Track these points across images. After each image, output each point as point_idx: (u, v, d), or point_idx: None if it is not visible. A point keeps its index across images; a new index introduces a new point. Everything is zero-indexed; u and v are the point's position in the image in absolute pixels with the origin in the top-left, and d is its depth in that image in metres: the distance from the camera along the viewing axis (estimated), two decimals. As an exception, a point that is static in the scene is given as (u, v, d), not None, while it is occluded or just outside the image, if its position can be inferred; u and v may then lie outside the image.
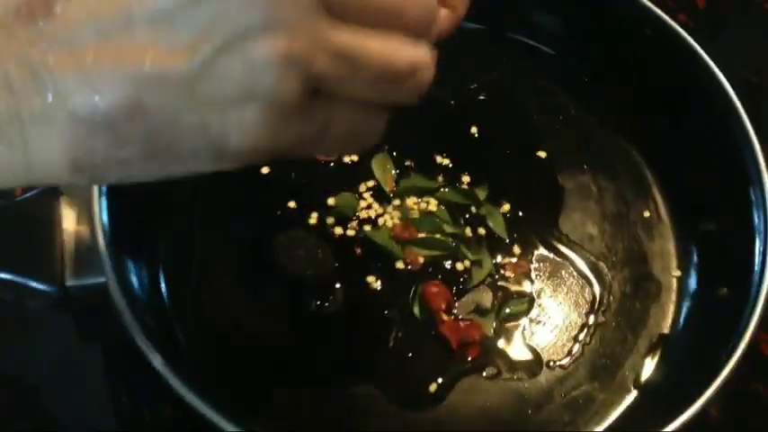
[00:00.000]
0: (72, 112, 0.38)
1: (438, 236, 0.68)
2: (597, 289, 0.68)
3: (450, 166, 0.72)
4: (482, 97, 0.76)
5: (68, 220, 0.58)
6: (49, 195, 0.58)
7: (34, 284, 0.57)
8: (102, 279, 0.56)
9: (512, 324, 0.65)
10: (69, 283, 0.57)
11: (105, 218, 0.57)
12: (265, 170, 0.70)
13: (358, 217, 0.68)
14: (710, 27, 0.91)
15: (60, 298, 0.57)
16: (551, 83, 0.77)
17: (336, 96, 0.41)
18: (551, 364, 0.64)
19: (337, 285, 0.66)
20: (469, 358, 0.64)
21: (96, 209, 0.57)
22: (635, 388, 0.64)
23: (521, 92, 0.77)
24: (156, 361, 0.53)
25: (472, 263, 0.67)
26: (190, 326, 0.63)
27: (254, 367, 0.63)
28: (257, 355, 0.63)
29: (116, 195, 0.59)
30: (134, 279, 0.59)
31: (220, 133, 0.39)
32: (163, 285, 0.64)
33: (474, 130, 0.74)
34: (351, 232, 0.68)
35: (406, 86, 0.43)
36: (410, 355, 0.64)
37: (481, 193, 0.70)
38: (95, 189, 0.57)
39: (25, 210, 0.58)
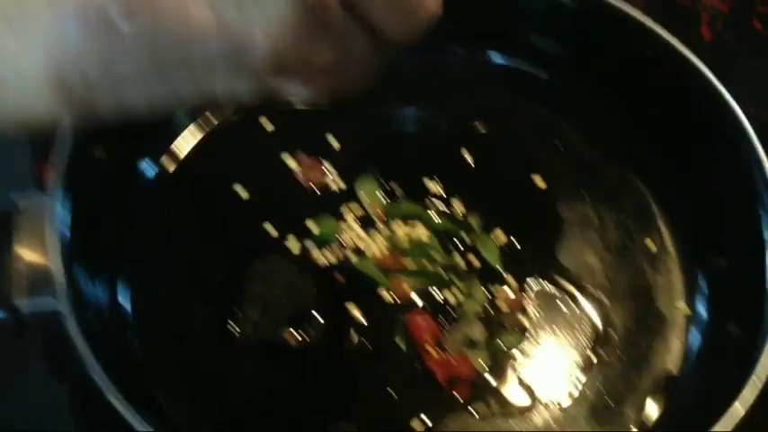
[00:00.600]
0: (57, 4, 0.31)
1: (427, 265, 0.64)
2: (598, 323, 0.63)
3: (442, 192, 0.67)
4: (476, 123, 0.72)
5: (25, 237, 0.53)
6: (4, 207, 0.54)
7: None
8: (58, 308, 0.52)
9: (505, 359, 0.61)
10: (21, 307, 0.52)
11: (64, 237, 0.53)
12: (244, 194, 0.66)
13: (341, 243, 0.64)
14: (717, 60, 0.87)
15: (11, 324, 0.52)
16: (549, 109, 0.73)
17: (358, 20, 0.38)
18: (547, 403, 0.59)
19: (315, 315, 0.61)
20: (458, 395, 0.59)
21: (53, 232, 0.53)
22: (638, 430, 0.58)
23: (517, 118, 0.73)
24: (117, 401, 0.48)
25: (463, 294, 0.63)
26: (156, 363, 0.58)
27: (224, 404, 0.58)
28: (228, 391, 0.58)
29: (78, 215, 0.55)
30: (92, 305, 0.55)
31: (240, 30, 0.34)
32: (129, 311, 0.59)
33: (467, 156, 0.70)
34: (332, 259, 0.63)
35: (415, 17, 0.40)
36: (393, 390, 0.59)
37: (474, 222, 0.66)
38: (54, 205, 0.53)
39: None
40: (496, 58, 0.74)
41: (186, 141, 0.68)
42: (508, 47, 0.73)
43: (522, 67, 0.74)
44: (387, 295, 0.62)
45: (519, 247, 0.65)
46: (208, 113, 0.68)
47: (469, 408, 0.58)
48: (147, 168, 0.66)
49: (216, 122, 0.69)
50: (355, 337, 0.60)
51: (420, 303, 0.62)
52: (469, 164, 0.69)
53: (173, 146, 0.67)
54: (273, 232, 0.64)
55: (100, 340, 0.50)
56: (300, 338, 0.60)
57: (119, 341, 0.56)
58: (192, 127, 0.68)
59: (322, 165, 0.68)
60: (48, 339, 0.57)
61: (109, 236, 0.59)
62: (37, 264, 0.53)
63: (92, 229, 0.55)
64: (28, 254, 0.53)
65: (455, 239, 0.65)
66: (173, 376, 0.58)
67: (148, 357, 0.58)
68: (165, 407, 0.56)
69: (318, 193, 0.67)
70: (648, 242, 0.67)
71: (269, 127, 0.70)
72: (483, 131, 0.72)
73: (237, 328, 0.60)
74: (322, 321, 0.61)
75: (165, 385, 0.57)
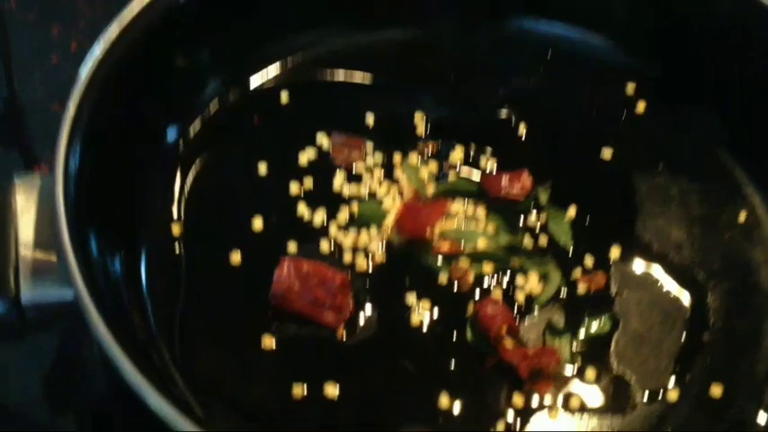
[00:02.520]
0: None
1: (491, 247, 0.55)
2: (694, 305, 0.54)
3: (497, 166, 0.59)
4: (529, 94, 0.64)
5: (25, 217, 0.45)
6: (3, 187, 0.45)
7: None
8: (65, 293, 0.43)
9: (592, 348, 0.52)
10: (25, 298, 0.43)
11: (71, 209, 0.44)
12: (258, 163, 0.57)
13: (385, 227, 0.55)
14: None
15: (12, 317, 0.43)
16: (611, 76, 0.65)
17: None
18: (650, 394, 0.50)
19: (369, 308, 0.52)
20: (544, 390, 0.50)
21: (61, 204, 0.44)
22: (759, 423, 0.49)
23: (575, 88, 0.65)
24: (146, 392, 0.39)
25: (538, 278, 0.54)
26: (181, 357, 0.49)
27: (270, 411, 0.48)
28: (272, 397, 0.49)
29: (85, 193, 0.46)
30: (105, 282, 0.45)
31: None
32: (144, 284, 0.50)
33: (522, 129, 0.61)
34: (378, 245, 0.55)
35: None
36: (467, 390, 0.50)
37: (543, 197, 0.57)
38: (60, 172, 0.44)
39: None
40: (558, 26, 0.66)
41: (214, 110, 0.60)
42: (570, 12, 0.65)
43: (586, 35, 0.66)
44: (449, 284, 0.53)
45: (593, 224, 0.57)
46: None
47: (557, 405, 0.49)
48: (170, 133, 0.57)
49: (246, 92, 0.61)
50: (416, 333, 0.51)
51: (489, 291, 0.53)
52: (530, 138, 0.61)
53: (199, 113, 0.59)
54: (307, 214, 0.56)
55: (114, 317, 0.41)
56: (347, 334, 0.51)
57: (132, 317, 0.47)
58: (223, 93, 0.60)
59: (359, 142, 0.59)
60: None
61: (121, 206, 0.51)
62: (40, 250, 0.44)
63: (101, 199, 0.46)
64: (29, 236, 0.44)
65: (520, 217, 0.57)
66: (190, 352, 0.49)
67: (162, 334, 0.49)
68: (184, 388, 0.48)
69: (355, 173, 0.58)
70: (740, 214, 0.58)
71: (299, 103, 0.61)
72: (538, 103, 0.63)
73: (273, 321, 0.51)
74: (374, 315, 0.52)
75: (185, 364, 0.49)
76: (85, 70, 0.48)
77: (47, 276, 0.43)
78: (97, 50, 0.49)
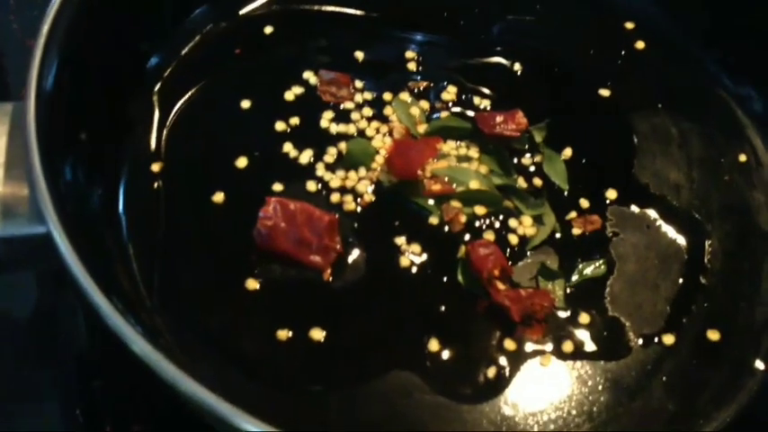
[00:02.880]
0: None
1: (484, 187, 0.53)
2: (692, 247, 0.52)
3: (491, 106, 0.57)
4: (525, 31, 0.61)
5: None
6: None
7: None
8: (39, 230, 0.41)
9: (587, 291, 0.50)
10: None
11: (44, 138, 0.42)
12: (242, 99, 0.55)
13: (373, 167, 0.53)
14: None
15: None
16: (609, 14, 0.63)
17: None
18: (645, 339, 0.49)
19: (356, 250, 0.50)
20: (536, 335, 0.48)
21: (33, 131, 0.41)
22: (757, 368, 0.48)
23: (572, 25, 0.62)
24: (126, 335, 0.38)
25: (531, 219, 0.52)
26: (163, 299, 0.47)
27: (254, 353, 0.47)
28: (256, 339, 0.47)
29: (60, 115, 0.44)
30: (82, 230, 0.43)
31: None
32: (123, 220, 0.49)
33: (517, 67, 0.59)
34: (367, 185, 0.53)
35: None
36: (457, 334, 0.48)
37: (537, 137, 0.55)
38: (32, 96, 0.41)
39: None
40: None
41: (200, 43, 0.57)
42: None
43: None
44: (437, 222, 0.52)
45: (589, 165, 0.55)
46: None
47: (552, 349, 0.48)
48: (152, 61, 0.55)
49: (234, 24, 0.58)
50: (405, 275, 0.50)
51: (481, 233, 0.52)
52: (525, 77, 0.59)
53: (184, 42, 0.57)
54: (293, 152, 0.53)
55: (91, 255, 0.39)
56: (334, 276, 0.49)
57: (111, 255, 0.46)
58: (210, 27, 0.58)
59: (348, 80, 0.57)
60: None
61: (99, 137, 0.48)
62: (11, 183, 0.42)
63: (77, 128, 0.44)
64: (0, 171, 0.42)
65: (514, 158, 0.55)
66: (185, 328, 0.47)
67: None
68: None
69: (344, 108, 0.56)
70: (740, 155, 0.57)
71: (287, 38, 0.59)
72: (533, 39, 0.61)
73: (257, 263, 0.49)
74: (362, 257, 0.50)
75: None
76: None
77: (18, 210, 0.41)
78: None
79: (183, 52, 0.57)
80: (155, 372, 0.37)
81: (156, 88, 0.54)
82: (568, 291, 0.50)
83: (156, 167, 0.52)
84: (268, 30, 0.59)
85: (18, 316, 0.55)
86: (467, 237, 0.51)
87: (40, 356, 0.56)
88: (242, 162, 0.53)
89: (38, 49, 0.42)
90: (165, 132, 0.53)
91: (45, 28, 0.43)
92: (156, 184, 0.51)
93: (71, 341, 0.52)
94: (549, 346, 0.48)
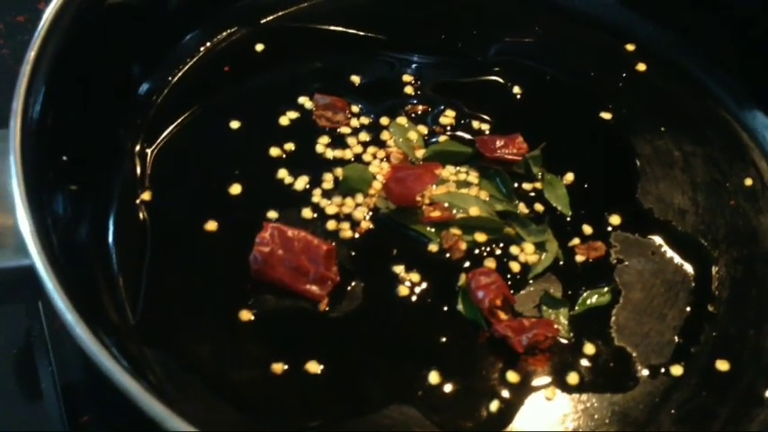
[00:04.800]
0: None
1: (484, 213, 0.52)
2: (699, 274, 0.51)
3: (490, 130, 0.56)
4: (523, 53, 0.60)
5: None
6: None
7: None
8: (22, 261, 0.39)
9: (592, 319, 0.49)
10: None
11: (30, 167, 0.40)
12: (235, 125, 0.54)
13: (371, 193, 0.52)
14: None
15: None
16: (610, 35, 0.62)
17: None
18: (652, 370, 0.47)
19: (354, 278, 0.49)
20: (540, 366, 0.47)
21: (17, 160, 0.40)
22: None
23: (571, 47, 0.61)
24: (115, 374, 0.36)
25: (533, 246, 0.51)
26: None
27: (247, 389, 0.45)
28: (250, 374, 0.46)
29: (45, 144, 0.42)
30: (68, 264, 0.41)
31: None
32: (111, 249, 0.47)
33: (516, 89, 0.58)
34: (364, 212, 0.51)
35: None
36: (459, 365, 0.46)
37: (536, 162, 0.54)
38: (17, 124, 0.40)
39: None
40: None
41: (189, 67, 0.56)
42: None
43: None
44: (436, 249, 0.50)
45: (591, 190, 0.54)
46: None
47: (557, 380, 0.46)
48: (141, 88, 0.54)
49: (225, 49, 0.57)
50: (404, 305, 0.48)
51: (482, 261, 0.50)
52: (524, 99, 0.58)
53: (174, 69, 0.55)
54: (288, 178, 0.52)
55: (77, 290, 0.37)
56: (331, 306, 0.47)
57: (99, 289, 0.44)
58: (199, 49, 0.57)
59: (344, 104, 0.56)
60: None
61: (87, 165, 0.47)
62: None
63: (64, 157, 0.43)
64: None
65: (514, 183, 0.53)
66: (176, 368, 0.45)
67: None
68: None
69: (340, 133, 0.55)
70: (746, 179, 0.55)
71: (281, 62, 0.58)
72: (533, 63, 0.60)
73: (251, 293, 0.47)
74: (360, 286, 0.49)
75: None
76: (47, 14, 0.44)
77: (4, 242, 0.39)
78: (57, -1, 0.45)
79: (175, 77, 0.55)
80: (142, 409, 0.35)
81: (147, 115, 0.53)
82: (573, 320, 0.48)
83: (146, 196, 0.50)
84: (259, 48, 0.58)
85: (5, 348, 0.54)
86: (467, 264, 0.50)
87: (27, 390, 0.54)
88: (235, 189, 0.51)
89: (23, 76, 0.41)
90: (154, 160, 0.52)
91: (31, 54, 0.41)
92: (145, 214, 0.50)
93: (59, 374, 0.50)
94: (553, 378, 0.46)
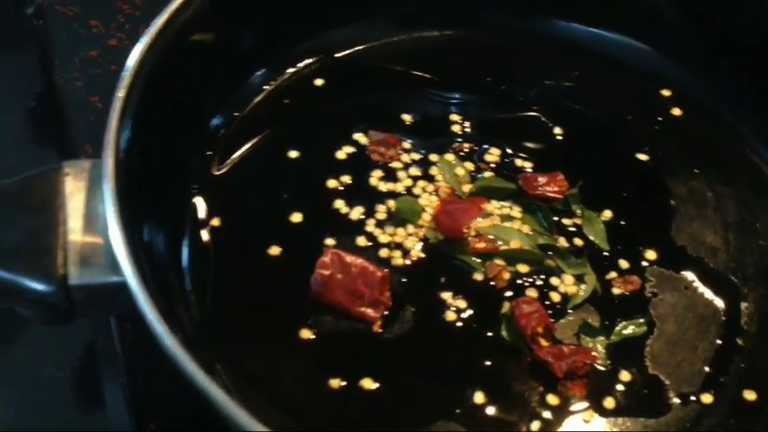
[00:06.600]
0: None
1: (527, 246, 0.55)
2: (729, 309, 0.54)
3: (532, 168, 0.59)
4: (564, 95, 0.64)
5: (74, 200, 0.45)
6: (52, 173, 0.46)
7: (27, 283, 0.44)
8: (114, 278, 0.43)
9: (628, 348, 0.52)
10: (73, 281, 0.44)
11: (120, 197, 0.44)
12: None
13: (421, 224, 0.56)
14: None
15: (59, 302, 0.44)
16: (646, 80, 0.65)
17: None
18: (683, 398, 0.50)
19: (404, 303, 0.52)
20: (578, 390, 0.50)
21: (110, 185, 0.44)
22: (793, 429, 0.50)
23: (610, 91, 0.65)
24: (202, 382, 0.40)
25: (573, 278, 0.54)
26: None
27: (305, 402, 0.49)
28: (308, 388, 0.49)
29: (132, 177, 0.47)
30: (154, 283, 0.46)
31: None
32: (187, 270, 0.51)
33: (557, 130, 0.62)
34: (414, 242, 0.55)
35: None
36: (502, 388, 0.50)
37: (575, 199, 0.57)
38: (109, 163, 0.44)
39: (17, 192, 0.46)
40: (595, 30, 0.67)
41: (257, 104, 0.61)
42: (607, 18, 0.66)
43: (622, 40, 0.66)
44: (481, 278, 0.54)
45: (628, 227, 0.57)
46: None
47: (591, 405, 0.49)
48: (214, 122, 0.59)
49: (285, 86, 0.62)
50: (451, 329, 0.52)
51: (524, 290, 0.54)
52: (564, 140, 0.61)
53: (240, 105, 0.60)
54: (344, 209, 0.56)
55: (163, 305, 0.41)
56: (384, 329, 0.51)
57: (176, 304, 0.48)
58: (263, 85, 0.61)
59: (396, 140, 0.60)
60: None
61: (163, 194, 0.51)
62: (88, 234, 0.44)
63: (146, 186, 0.47)
64: (78, 223, 0.45)
65: (554, 218, 0.57)
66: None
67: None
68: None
69: (392, 167, 0.58)
70: (774, 220, 0.59)
71: (338, 99, 0.62)
72: (573, 105, 0.64)
73: (310, 314, 0.51)
74: (410, 310, 0.52)
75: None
76: (134, 57, 0.48)
77: (94, 260, 0.43)
78: (145, 38, 0.49)
79: (242, 112, 0.60)
80: (226, 414, 0.39)
81: (216, 147, 0.57)
82: (609, 348, 0.52)
83: (215, 222, 0.54)
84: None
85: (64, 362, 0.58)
86: (510, 293, 0.53)
87: (87, 401, 0.58)
88: (296, 217, 0.55)
89: (114, 111, 0.45)
90: (222, 189, 0.56)
91: (121, 93, 0.46)
92: (215, 238, 0.54)
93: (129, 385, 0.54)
94: (591, 402, 0.49)
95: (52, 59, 0.68)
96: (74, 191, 0.45)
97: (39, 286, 0.44)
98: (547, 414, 0.49)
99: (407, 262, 0.54)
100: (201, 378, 0.39)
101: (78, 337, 0.58)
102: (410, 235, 0.55)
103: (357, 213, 0.56)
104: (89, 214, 0.44)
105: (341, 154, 0.59)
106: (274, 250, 0.54)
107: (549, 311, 0.53)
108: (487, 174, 0.59)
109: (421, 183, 0.58)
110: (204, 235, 0.53)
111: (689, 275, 0.55)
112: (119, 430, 0.54)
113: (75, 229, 0.44)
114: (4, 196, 0.45)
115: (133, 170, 0.46)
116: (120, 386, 0.54)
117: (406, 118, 0.61)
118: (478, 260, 0.55)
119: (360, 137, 0.60)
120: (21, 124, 0.72)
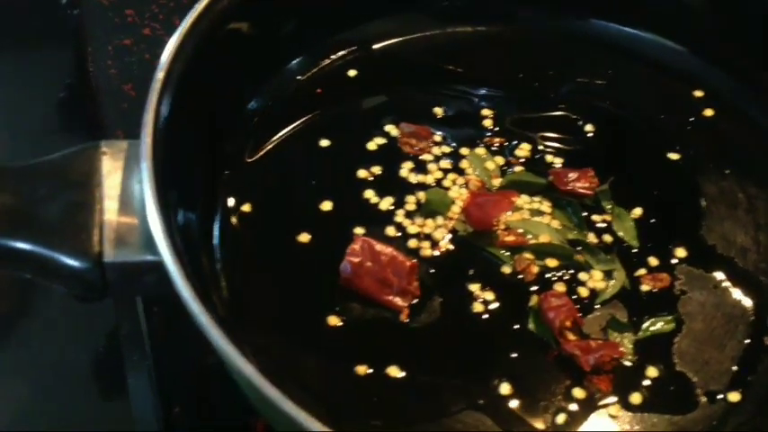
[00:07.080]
0: None
1: (556, 241, 0.55)
2: (757, 309, 0.54)
3: (563, 164, 0.59)
4: (596, 94, 0.64)
5: (111, 179, 0.46)
6: (91, 150, 0.46)
7: (63, 259, 0.44)
8: (148, 257, 0.44)
9: (655, 345, 0.52)
10: (107, 259, 0.44)
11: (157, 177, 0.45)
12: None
13: (451, 216, 0.56)
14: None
15: (94, 279, 0.45)
16: (679, 80, 0.65)
17: None
18: (710, 395, 0.50)
19: (432, 294, 0.52)
20: (605, 385, 0.50)
21: (147, 164, 0.45)
22: (822, 430, 0.49)
23: (642, 90, 0.65)
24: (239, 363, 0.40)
25: (602, 273, 0.54)
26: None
27: (332, 387, 0.49)
28: (336, 374, 0.50)
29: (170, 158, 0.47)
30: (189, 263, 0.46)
31: None
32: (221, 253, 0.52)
33: (588, 127, 0.62)
34: (444, 233, 0.55)
35: None
36: (529, 380, 0.50)
37: (605, 195, 0.57)
38: (147, 142, 0.45)
39: (56, 169, 0.46)
40: (629, 30, 0.67)
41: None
42: (642, 17, 0.66)
43: (656, 39, 0.66)
44: (509, 270, 0.54)
45: (658, 225, 0.57)
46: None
47: (620, 399, 0.49)
48: (250, 107, 0.59)
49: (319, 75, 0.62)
50: (478, 320, 0.52)
51: (552, 284, 0.54)
52: (596, 138, 0.61)
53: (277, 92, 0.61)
54: (374, 199, 0.56)
55: (198, 282, 0.42)
56: (411, 318, 0.51)
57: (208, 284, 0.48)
58: (299, 75, 0.62)
59: (427, 133, 0.60)
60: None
61: (199, 176, 0.52)
62: (123, 214, 0.45)
63: (183, 168, 0.47)
64: (114, 203, 0.45)
65: (584, 214, 0.57)
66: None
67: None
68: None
69: (422, 160, 0.59)
70: (806, 222, 0.58)
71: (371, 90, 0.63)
72: (604, 103, 0.64)
73: (338, 302, 0.51)
74: (438, 301, 0.52)
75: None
76: (174, 41, 0.49)
77: (130, 239, 0.44)
78: (186, 23, 0.50)
79: (276, 100, 0.60)
80: (262, 393, 0.39)
81: (250, 132, 0.58)
82: (637, 344, 0.51)
83: (246, 207, 0.55)
84: (352, 73, 0.62)
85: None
86: (538, 287, 0.53)
87: (110, 386, 0.59)
88: (326, 206, 0.56)
89: (153, 92, 0.46)
90: (254, 174, 0.57)
91: (160, 75, 0.46)
92: (246, 223, 0.54)
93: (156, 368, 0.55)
94: (617, 397, 0.49)
95: (86, 48, 0.69)
96: (111, 170, 0.45)
97: (74, 263, 0.44)
98: (573, 407, 0.49)
99: (436, 253, 0.54)
100: (236, 357, 0.39)
101: (101, 324, 0.59)
102: (439, 226, 0.56)
103: (387, 204, 0.56)
104: (125, 194, 0.45)
105: (372, 145, 0.59)
106: (304, 237, 0.54)
107: (577, 306, 0.53)
108: (518, 168, 0.59)
109: (451, 175, 0.58)
110: (235, 220, 0.54)
111: (718, 275, 0.55)
112: (142, 415, 0.54)
113: (110, 209, 0.45)
114: (46, 171, 0.45)
115: (169, 153, 0.46)
116: (144, 370, 0.54)
117: (438, 111, 0.62)
118: (507, 253, 0.55)
119: (391, 128, 0.60)
120: (54, 112, 0.73)
